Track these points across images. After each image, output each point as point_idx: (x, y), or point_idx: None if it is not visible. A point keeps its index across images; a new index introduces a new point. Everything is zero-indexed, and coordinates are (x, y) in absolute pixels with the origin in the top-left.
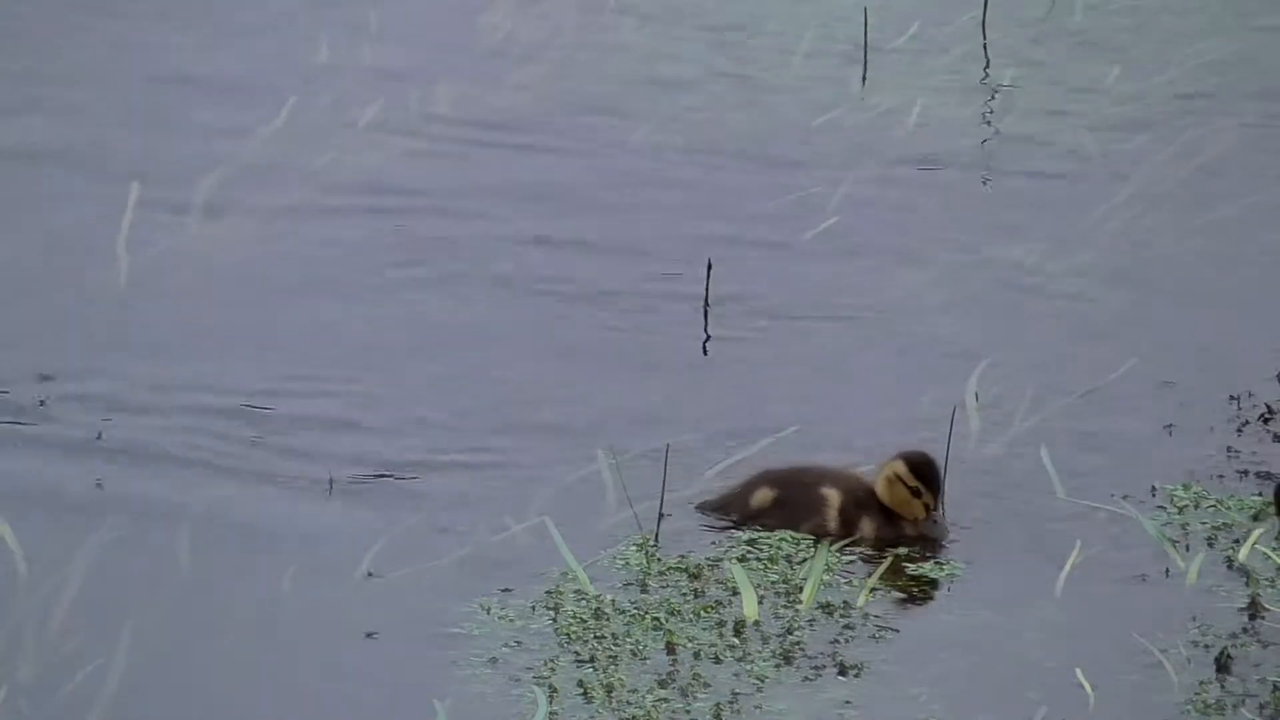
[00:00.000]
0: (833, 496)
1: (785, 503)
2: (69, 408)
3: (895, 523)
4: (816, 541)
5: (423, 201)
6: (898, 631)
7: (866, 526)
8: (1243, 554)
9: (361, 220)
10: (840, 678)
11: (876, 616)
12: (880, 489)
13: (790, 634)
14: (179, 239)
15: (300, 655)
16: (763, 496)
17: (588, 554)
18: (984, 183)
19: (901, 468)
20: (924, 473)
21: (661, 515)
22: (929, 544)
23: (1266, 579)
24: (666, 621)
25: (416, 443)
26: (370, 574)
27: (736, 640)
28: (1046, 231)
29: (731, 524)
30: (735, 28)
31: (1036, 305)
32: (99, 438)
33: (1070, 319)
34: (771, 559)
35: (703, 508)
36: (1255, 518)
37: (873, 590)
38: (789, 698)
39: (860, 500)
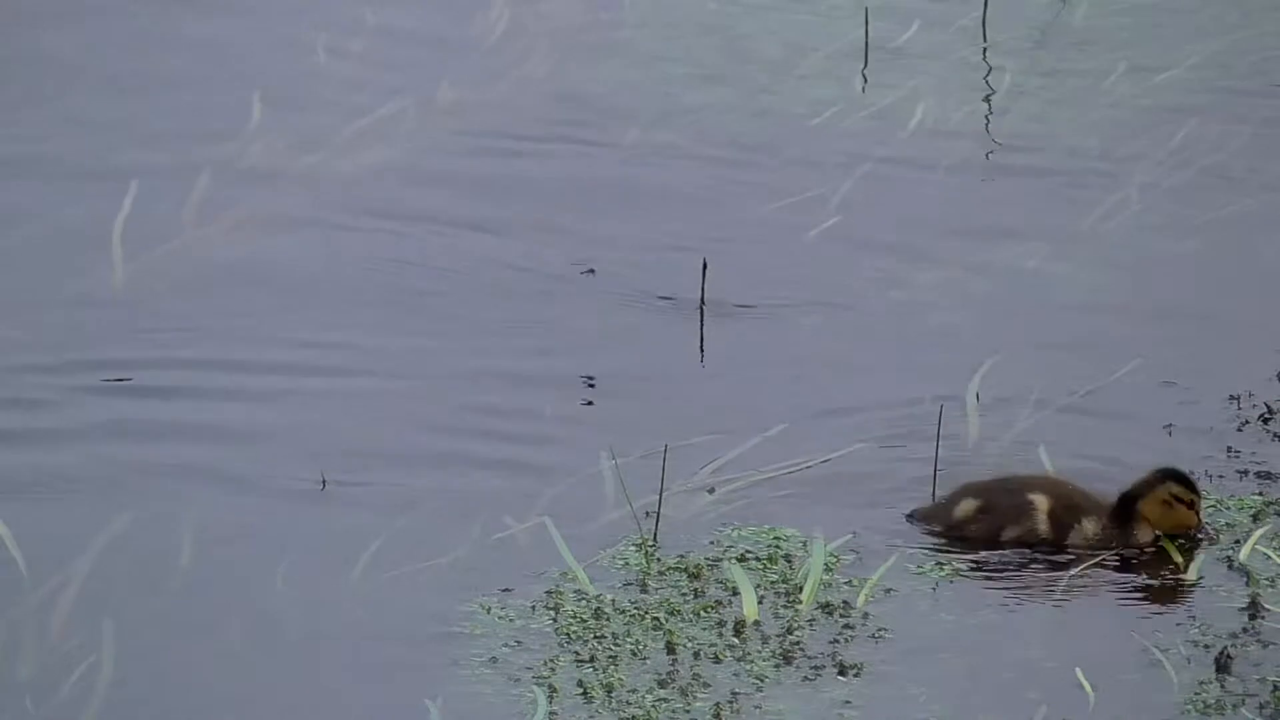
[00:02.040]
0: (1041, 502)
1: (990, 510)
2: (67, 407)
3: (1124, 528)
4: (1024, 547)
5: (418, 200)
6: (898, 631)
7: (1089, 528)
8: (1243, 554)
9: (357, 219)
10: (840, 678)
11: (876, 616)
12: (1154, 514)
13: (790, 634)
14: (175, 238)
15: (300, 655)
16: (966, 507)
17: (587, 554)
18: (984, 182)
19: (1176, 488)
20: (1193, 483)
21: (660, 515)
22: (1141, 550)
23: (1266, 579)
24: (666, 621)
25: (416, 442)
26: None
27: (736, 640)
28: (1047, 231)
29: (937, 534)
30: (736, 27)
31: (1037, 305)
32: (96, 437)
33: (1070, 319)
34: (771, 559)
35: (911, 516)
36: (1255, 518)
37: (873, 590)
38: (789, 698)
39: (1071, 505)
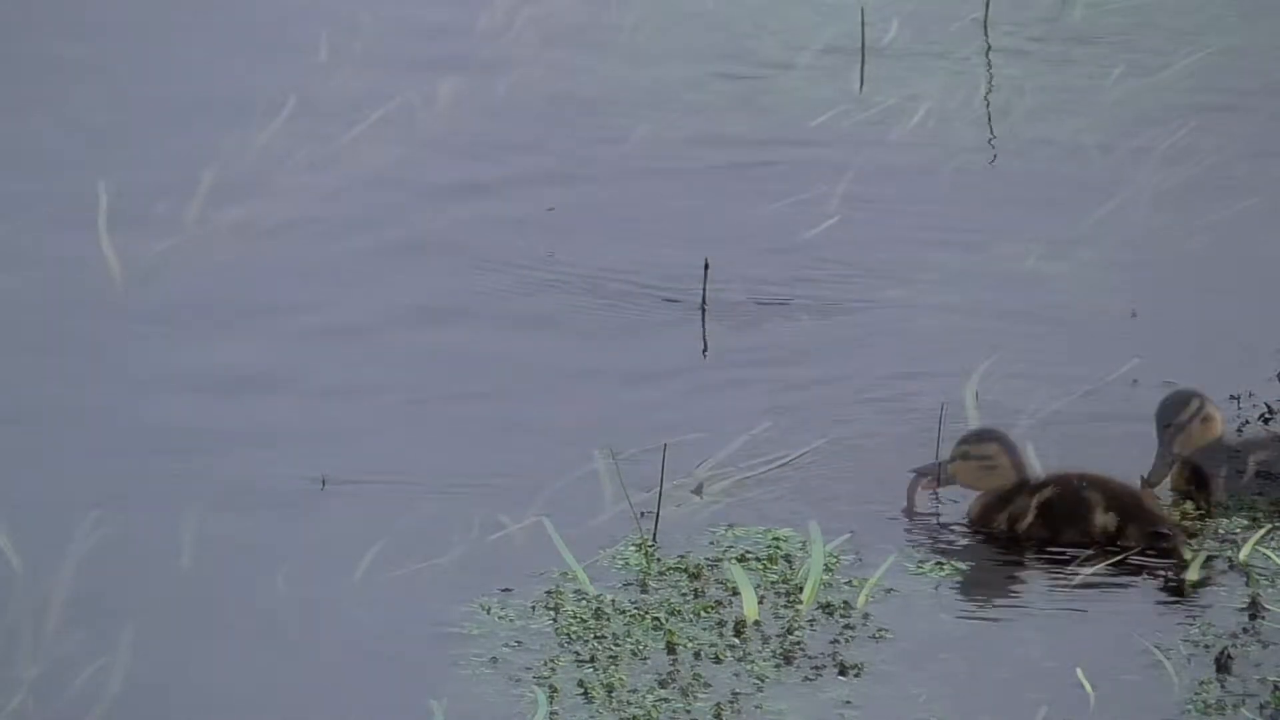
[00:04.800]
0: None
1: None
2: (67, 406)
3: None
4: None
5: (421, 201)
6: (898, 631)
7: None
8: (1243, 554)
9: (360, 220)
10: (840, 678)
11: (876, 616)
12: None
13: (790, 634)
14: (175, 238)
15: (300, 655)
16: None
17: (587, 554)
18: (984, 182)
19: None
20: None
21: (659, 515)
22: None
23: (1266, 579)
24: (666, 621)
25: (415, 442)
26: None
27: (736, 640)
28: (1047, 231)
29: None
30: (735, 27)
31: (1037, 304)
32: (94, 434)
33: (1071, 318)
34: (771, 559)
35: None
36: (1255, 518)
37: (873, 590)
38: (789, 698)
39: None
